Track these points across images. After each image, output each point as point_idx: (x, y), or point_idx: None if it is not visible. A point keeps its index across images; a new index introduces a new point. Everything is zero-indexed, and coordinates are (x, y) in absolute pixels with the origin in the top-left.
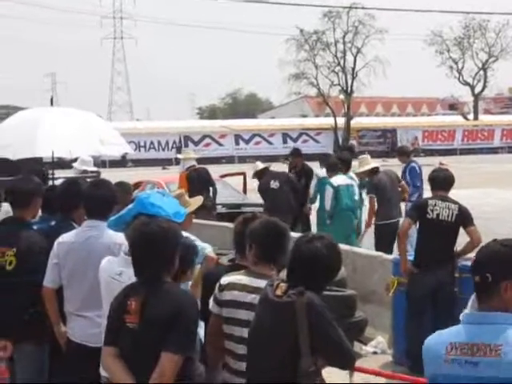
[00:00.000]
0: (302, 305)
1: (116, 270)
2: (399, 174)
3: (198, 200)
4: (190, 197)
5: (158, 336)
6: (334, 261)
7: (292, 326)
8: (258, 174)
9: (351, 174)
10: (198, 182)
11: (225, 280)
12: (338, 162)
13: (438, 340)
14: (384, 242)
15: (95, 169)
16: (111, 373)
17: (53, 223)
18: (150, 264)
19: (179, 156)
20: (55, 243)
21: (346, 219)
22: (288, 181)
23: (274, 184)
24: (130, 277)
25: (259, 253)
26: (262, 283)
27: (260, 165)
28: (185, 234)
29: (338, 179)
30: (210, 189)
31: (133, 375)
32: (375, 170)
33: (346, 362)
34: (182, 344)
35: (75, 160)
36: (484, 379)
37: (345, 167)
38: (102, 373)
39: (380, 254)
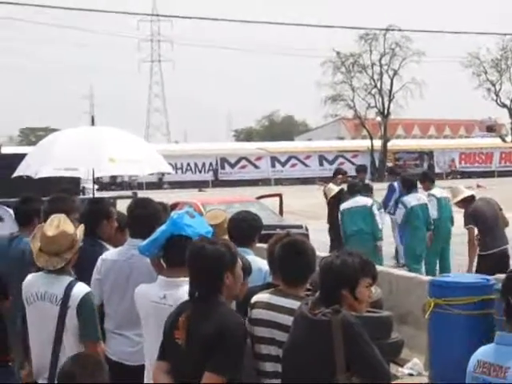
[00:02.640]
0: (337, 323)
1: (158, 293)
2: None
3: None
4: None
5: (200, 354)
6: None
7: (328, 344)
8: (335, 198)
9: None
10: None
11: (253, 298)
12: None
13: (473, 357)
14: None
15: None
16: None
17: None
18: (200, 283)
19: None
20: (99, 259)
21: (355, 243)
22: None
23: None
24: (175, 299)
25: (282, 275)
26: (285, 302)
27: (334, 188)
28: None
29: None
30: None
31: None
32: (470, 199)
33: (382, 380)
34: (225, 366)
35: (114, 182)
36: None
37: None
38: None
39: (416, 275)
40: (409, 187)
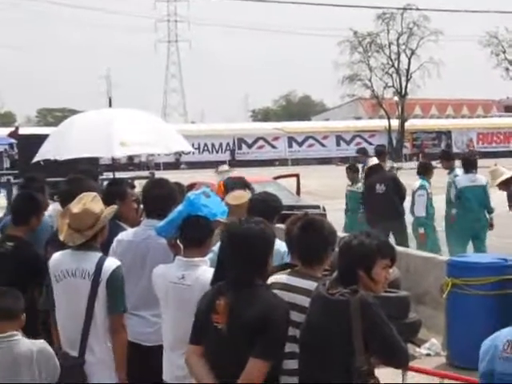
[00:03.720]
0: (355, 303)
1: (177, 274)
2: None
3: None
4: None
5: (243, 339)
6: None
7: (346, 325)
8: (368, 171)
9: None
10: (234, 186)
11: (271, 279)
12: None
13: (498, 337)
14: None
15: None
16: (193, 371)
17: None
18: (242, 265)
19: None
20: (114, 240)
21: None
22: (395, 185)
23: (380, 188)
24: (194, 279)
25: (299, 254)
26: (302, 283)
27: (374, 160)
28: None
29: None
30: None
31: (215, 375)
32: (510, 180)
33: (400, 360)
34: (271, 351)
35: (131, 163)
36: None
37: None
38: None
39: (434, 255)
40: (467, 168)
